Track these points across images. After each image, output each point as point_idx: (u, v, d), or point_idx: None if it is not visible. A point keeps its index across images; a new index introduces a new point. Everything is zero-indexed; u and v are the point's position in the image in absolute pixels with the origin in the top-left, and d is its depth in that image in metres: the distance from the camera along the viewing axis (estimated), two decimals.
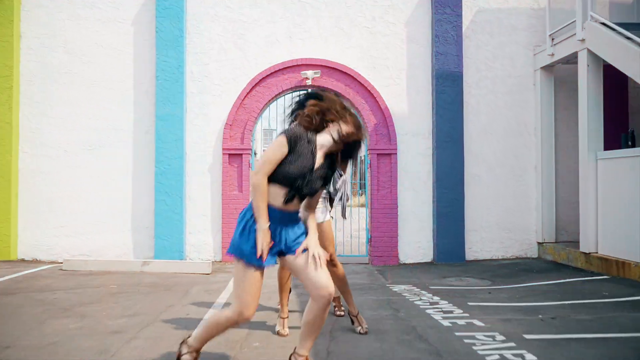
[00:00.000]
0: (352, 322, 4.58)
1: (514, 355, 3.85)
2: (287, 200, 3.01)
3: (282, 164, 2.97)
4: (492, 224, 9.14)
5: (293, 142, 2.95)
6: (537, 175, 9.11)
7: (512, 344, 4.10)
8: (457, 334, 4.43)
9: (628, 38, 6.94)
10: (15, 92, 8.87)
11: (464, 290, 6.50)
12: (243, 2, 9.12)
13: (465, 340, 4.23)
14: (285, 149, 2.95)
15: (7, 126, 8.79)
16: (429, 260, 9.01)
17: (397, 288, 6.71)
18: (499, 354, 3.87)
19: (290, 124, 3.09)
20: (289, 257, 3.09)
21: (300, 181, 2.98)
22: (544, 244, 8.95)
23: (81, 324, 4.74)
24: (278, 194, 3.01)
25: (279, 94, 9.06)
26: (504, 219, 9.16)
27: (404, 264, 8.92)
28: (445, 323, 4.78)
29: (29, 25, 9.06)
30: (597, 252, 7.56)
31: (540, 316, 5.02)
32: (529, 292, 6.29)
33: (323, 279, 2.98)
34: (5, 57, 8.83)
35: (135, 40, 9.10)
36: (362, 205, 15.70)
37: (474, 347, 4.04)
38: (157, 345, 4.08)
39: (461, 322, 4.83)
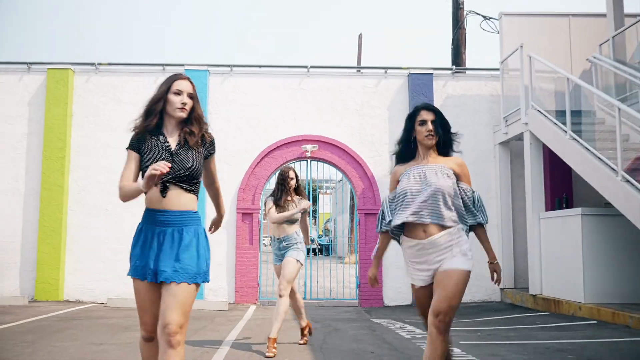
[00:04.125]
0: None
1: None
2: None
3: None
4: None
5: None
6: (498, 232, 11.13)
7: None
8: (413, 341, 6.38)
9: (557, 124, 9.12)
10: (66, 160, 10.99)
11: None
12: (255, 89, 11.39)
13: (417, 343, 6.18)
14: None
15: (59, 189, 10.87)
16: (409, 303, 10.91)
17: (378, 321, 8.63)
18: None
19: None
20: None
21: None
22: (505, 289, 10.89)
23: None
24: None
25: (283, 163, 11.19)
26: (472, 269, 11.08)
27: (388, 306, 10.82)
28: (407, 336, 6.73)
29: (79, 106, 11.29)
30: (541, 294, 9.51)
31: (479, 333, 6.97)
32: (480, 322, 8.22)
33: None
34: (60, 132, 11.00)
35: None
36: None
37: (422, 347, 5.99)
38: (203, 346, 6.02)
39: (419, 336, 6.77)
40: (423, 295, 3.54)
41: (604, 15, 11.02)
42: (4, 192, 10.97)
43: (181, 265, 2.99)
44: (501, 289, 11.03)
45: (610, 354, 5.65)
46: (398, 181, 3.59)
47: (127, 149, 3.24)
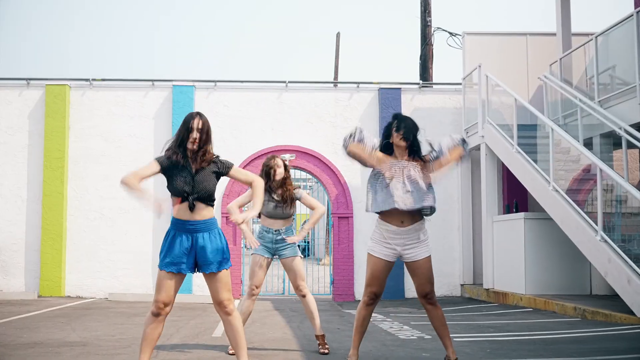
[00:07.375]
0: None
1: (399, 328, 8.04)
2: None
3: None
4: None
5: None
6: (460, 233, 13.41)
7: (404, 326, 8.29)
8: (373, 322, 8.61)
9: (506, 138, 11.39)
10: (65, 170, 13.04)
11: (395, 311, 10.67)
12: (239, 103, 13.54)
13: (374, 323, 8.41)
14: None
15: (59, 195, 12.92)
16: None
17: (347, 311, 10.85)
18: (392, 327, 8.06)
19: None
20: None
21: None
22: (465, 285, 13.18)
23: None
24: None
25: None
26: (435, 267, 13.31)
27: (359, 300, 13.00)
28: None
29: (76, 119, 13.34)
30: (493, 288, 11.81)
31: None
32: None
33: None
34: (58, 143, 13.03)
35: (155, 131, 13.40)
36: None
37: (379, 326, 8.21)
38: (200, 327, 8.18)
39: (379, 318, 9.01)
40: (382, 266, 4.82)
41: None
42: (7, 199, 13.01)
43: (218, 259, 4.31)
44: (461, 285, 13.32)
45: (523, 329, 7.93)
46: (382, 161, 4.91)
47: (155, 159, 4.37)
